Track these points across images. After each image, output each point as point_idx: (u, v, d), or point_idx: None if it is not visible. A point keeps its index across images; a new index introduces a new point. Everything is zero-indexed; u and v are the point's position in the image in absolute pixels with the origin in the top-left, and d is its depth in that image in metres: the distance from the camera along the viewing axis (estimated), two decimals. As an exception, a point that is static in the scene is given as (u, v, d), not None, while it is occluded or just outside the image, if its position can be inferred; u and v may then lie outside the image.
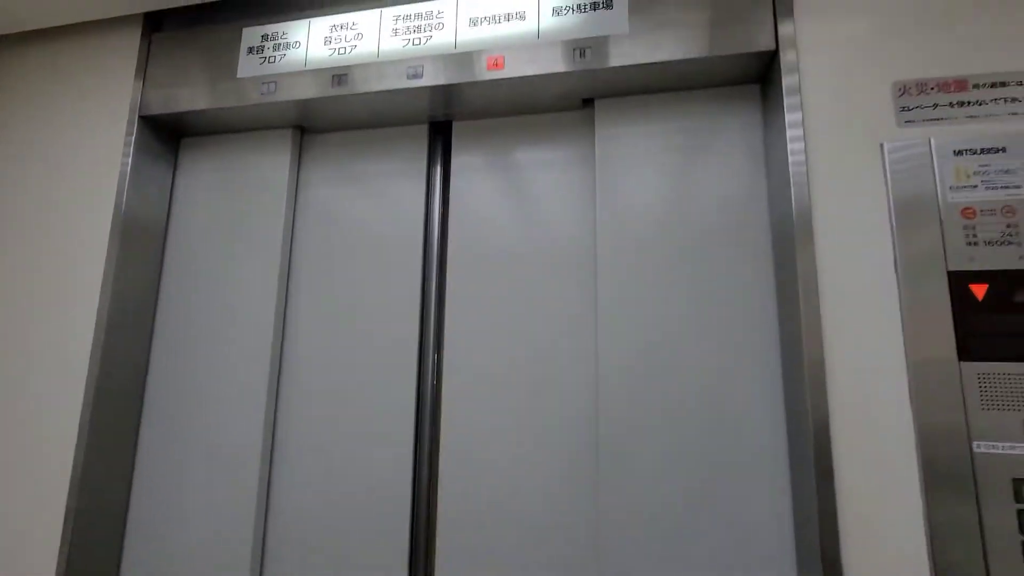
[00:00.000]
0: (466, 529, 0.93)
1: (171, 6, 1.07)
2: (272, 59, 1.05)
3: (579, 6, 0.93)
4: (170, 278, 1.14)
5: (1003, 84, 0.77)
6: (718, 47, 0.87)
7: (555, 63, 0.92)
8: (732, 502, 0.85)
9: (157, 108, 1.10)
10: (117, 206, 1.07)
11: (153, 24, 1.15)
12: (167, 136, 1.17)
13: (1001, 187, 0.74)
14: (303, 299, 1.09)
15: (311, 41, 1.04)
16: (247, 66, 1.06)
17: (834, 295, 0.78)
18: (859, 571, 0.72)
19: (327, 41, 1.03)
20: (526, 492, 0.93)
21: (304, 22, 1.05)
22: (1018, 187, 0.74)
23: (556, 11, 0.94)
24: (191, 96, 1.08)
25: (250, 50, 1.06)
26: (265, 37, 1.06)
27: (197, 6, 1.10)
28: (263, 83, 1.04)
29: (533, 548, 0.91)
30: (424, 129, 1.11)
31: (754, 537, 0.83)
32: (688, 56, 0.88)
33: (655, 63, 0.89)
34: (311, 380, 1.06)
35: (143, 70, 1.12)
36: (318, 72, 1.02)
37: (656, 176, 0.96)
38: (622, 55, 0.90)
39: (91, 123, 1.13)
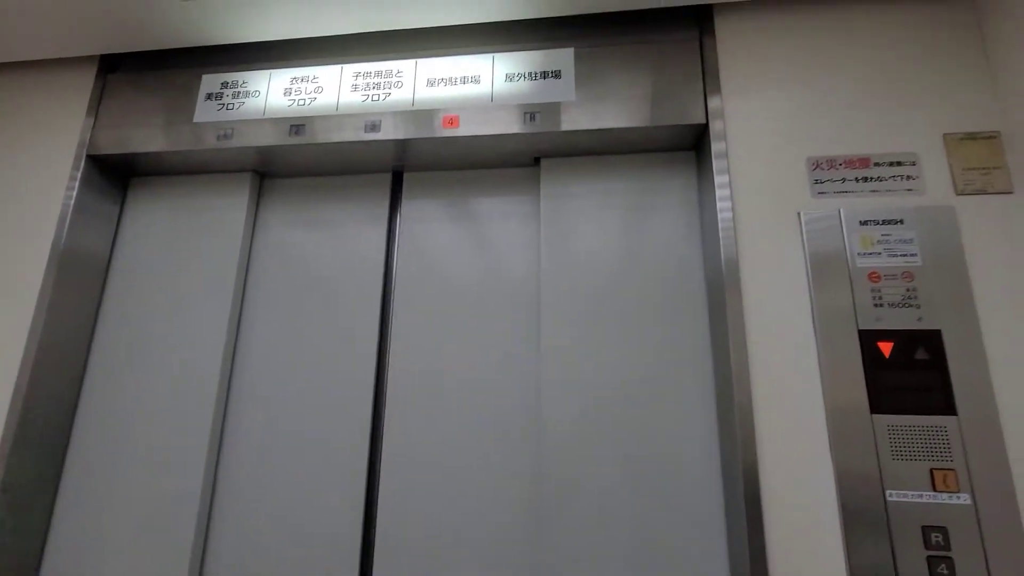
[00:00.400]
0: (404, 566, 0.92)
1: (129, 50, 1.08)
2: (231, 106, 1.06)
3: (530, 74, 1.00)
4: (109, 317, 1.10)
5: (899, 164, 0.87)
6: (655, 118, 0.95)
7: (507, 125, 0.98)
8: (670, 545, 0.87)
9: (107, 147, 1.09)
10: (56, 240, 1.04)
11: (110, 65, 1.15)
12: (115, 175, 1.16)
13: (900, 255, 0.83)
14: (255, 344, 1.08)
15: (271, 91, 1.06)
16: (204, 111, 1.07)
17: (761, 348, 0.84)
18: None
19: (287, 92, 1.05)
20: (466, 537, 0.92)
21: (265, 72, 1.08)
22: (915, 255, 0.83)
23: (509, 77, 1.00)
24: (144, 138, 1.07)
25: (208, 96, 1.08)
26: (225, 84, 1.08)
27: (157, 52, 1.11)
28: (220, 129, 1.05)
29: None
30: (387, 177, 1.14)
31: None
32: (628, 125, 0.95)
33: (599, 129, 0.96)
34: (259, 435, 1.03)
35: (95, 109, 1.11)
36: (276, 121, 1.04)
37: (599, 231, 1.01)
38: (569, 120, 0.97)
39: (39, 157, 1.11)
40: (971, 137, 0.86)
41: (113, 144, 1.09)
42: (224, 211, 1.13)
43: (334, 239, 1.11)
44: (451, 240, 1.08)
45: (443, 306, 1.04)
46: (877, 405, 0.79)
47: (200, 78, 1.09)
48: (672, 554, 0.87)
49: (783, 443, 0.80)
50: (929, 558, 0.75)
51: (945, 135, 0.87)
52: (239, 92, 1.07)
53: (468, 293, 1.04)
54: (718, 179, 0.90)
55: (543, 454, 0.92)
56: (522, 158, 1.08)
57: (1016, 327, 0.79)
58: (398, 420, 1.00)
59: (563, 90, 0.98)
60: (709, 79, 0.95)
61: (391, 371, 1.02)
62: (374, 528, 0.96)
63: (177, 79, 1.10)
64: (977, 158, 0.85)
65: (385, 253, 1.09)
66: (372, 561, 0.94)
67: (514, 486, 0.94)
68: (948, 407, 0.77)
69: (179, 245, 1.12)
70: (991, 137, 0.86)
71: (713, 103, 0.94)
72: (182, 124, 1.07)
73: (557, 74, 0.99)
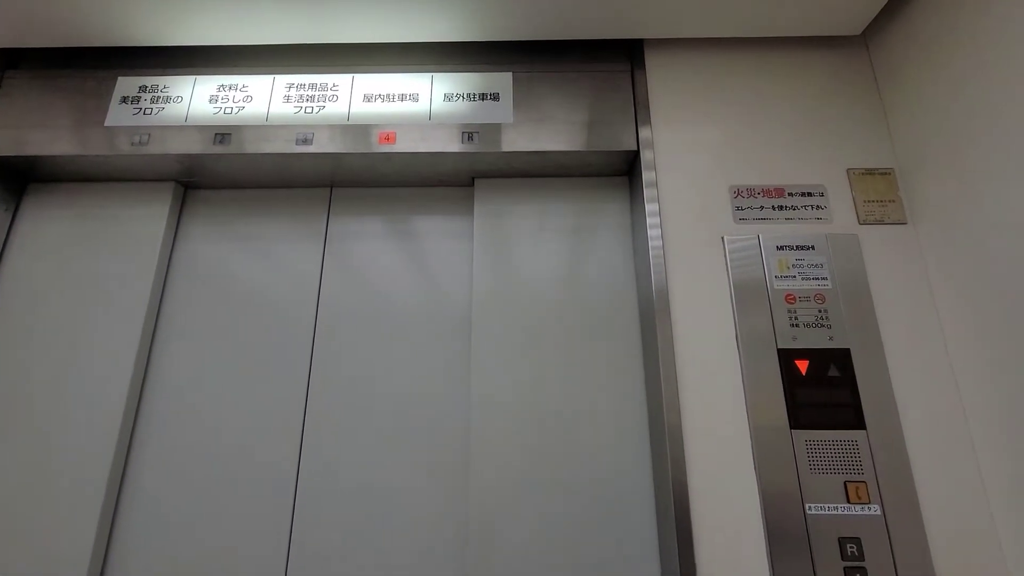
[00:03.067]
0: None
1: (32, 45, 0.99)
2: (148, 111, 1.00)
3: (469, 95, 1.01)
4: (-9, 338, 0.98)
5: (810, 194, 0.94)
6: (590, 143, 0.98)
7: (444, 143, 0.98)
8: (603, 566, 0.85)
9: (2, 149, 0.98)
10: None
11: (9, 61, 1.05)
12: (9, 179, 1.05)
13: (813, 278, 0.88)
14: (171, 369, 0.98)
15: (195, 97, 1.01)
16: (118, 115, 0.99)
17: (689, 368, 0.86)
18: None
19: (213, 99, 1.00)
20: (393, 563, 0.87)
21: (189, 78, 1.02)
22: (825, 278, 0.88)
23: (447, 97, 1.01)
24: (45, 140, 0.98)
25: (124, 99, 1.01)
26: (143, 88, 1.01)
27: (66, 49, 1.03)
28: (136, 134, 0.98)
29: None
30: (326, 193, 1.10)
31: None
32: (565, 149, 0.97)
33: (535, 152, 0.97)
34: (172, 471, 0.93)
35: (-11, 107, 1.01)
36: (200, 129, 0.99)
37: (534, 253, 1.02)
38: (507, 142, 0.98)
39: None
40: (870, 172, 0.95)
41: (10, 145, 0.99)
42: (140, 222, 1.04)
43: (265, 256, 1.05)
44: (383, 258, 1.05)
45: (373, 326, 1.00)
46: (796, 421, 0.82)
47: (115, 80, 1.02)
48: (604, 569, 0.85)
49: (711, 463, 0.82)
50: (846, 568, 0.78)
51: (848, 169, 0.95)
52: (159, 97, 1.01)
53: (400, 313, 1.01)
54: (648, 207, 0.93)
55: (473, 477, 0.89)
56: (459, 178, 1.07)
57: (914, 346, 0.86)
58: (324, 447, 0.94)
59: (501, 112, 0.99)
60: (640, 109, 1.00)
61: (315, 398, 0.96)
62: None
63: (88, 80, 1.02)
64: (875, 191, 0.93)
65: (320, 271, 1.04)
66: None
67: (443, 510, 0.90)
68: (858, 422, 0.82)
69: (83, 258, 1.02)
70: (886, 173, 0.95)
71: (644, 132, 0.98)
72: (92, 127, 0.99)
73: (495, 96, 1.00)
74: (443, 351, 0.99)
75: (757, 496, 0.80)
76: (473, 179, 1.07)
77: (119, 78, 1.02)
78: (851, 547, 0.78)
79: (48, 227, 1.05)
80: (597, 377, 0.94)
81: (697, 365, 0.86)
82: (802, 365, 0.84)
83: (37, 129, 0.99)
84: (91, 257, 1.02)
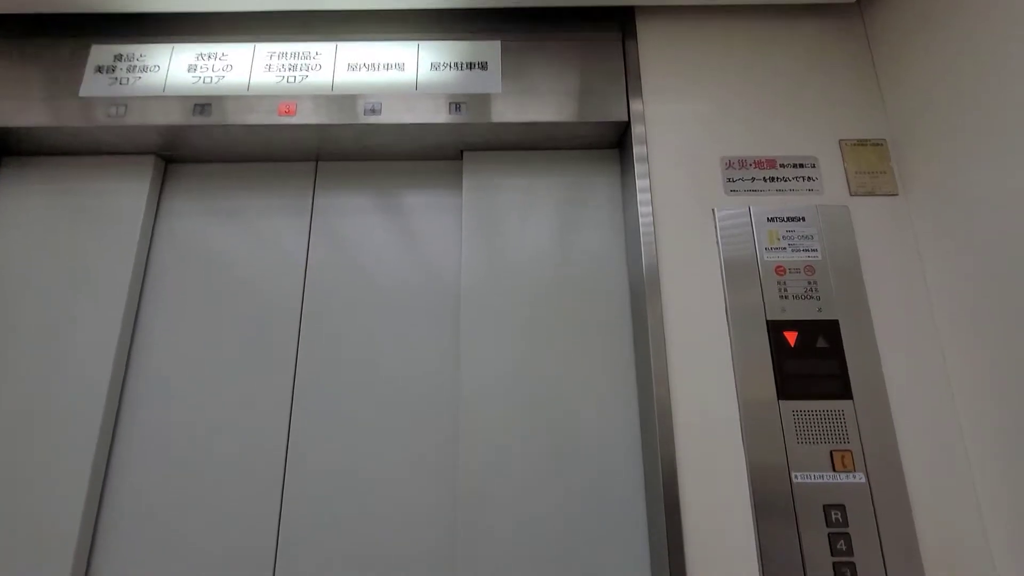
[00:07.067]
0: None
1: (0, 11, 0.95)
2: (124, 80, 0.96)
3: (456, 64, 0.98)
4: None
5: (801, 165, 0.93)
6: (579, 114, 0.96)
7: (432, 114, 0.95)
8: (592, 536, 0.86)
9: (-29, 120, 0.95)
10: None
11: (-24, 28, 1.01)
12: (-17, 152, 1.02)
13: (803, 250, 0.88)
14: (155, 347, 0.97)
15: (173, 66, 0.97)
16: (93, 85, 0.96)
17: (679, 341, 0.86)
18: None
19: (192, 68, 0.97)
20: (382, 539, 0.87)
21: (167, 46, 0.99)
22: (815, 250, 0.88)
23: (434, 66, 0.98)
24: (16, 110, 0.95)
25: (98, 69, 0.97)
26: (118, 57, 0.98)
27: (36, 16, 0.99)
28: (112, 104, 0.95)
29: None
30: (311, 167, 1.07)
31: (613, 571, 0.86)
32: (555, 119, 0.96)
33: (524, 123, 0.95)
34: (157, 453, 0.92)
35: (-44, 77, 0.97)
36: (179, 99, 0.96)
37: (523, 227, 1.01)
38: (496, 112, 0.96)
39: None
40: (862, 143, 0.94)
41: (-21, 117, 0.95)
42: (120, 196, 1.02)
43: (250, 231, 1.03)
44: (371, 233, 1.03)
45: (361, 302, 0.99)
46: (784, 392, 0.83)
47: (89, 49, 0.98)
48: (594, 543, 0.86)
49: (700, 433, 0.82)
50: (830, 535, 0.79)
51: (840, 140, 0.94)
52: (135, 66, 0.97)
53: (388, 288, 1.00)
54: (639, 182, 0.92)
55: (464, 453, 0.89)
56: (447, 151, 1.05)
57: (902, 317, 0.86)
58: (312, 426, 0.93)
59: (490, 82, 0.97)
60: (631, 79, 0.98)
61: (302, 376, 0.95)
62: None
63: (61, 48, 0.99)
64: (867, 163, 0.92)
65: (307, 247, 1.03)
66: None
67: (432, 487, 0.90)
68: (845, 392, 0.82)
69: (62, 233, 1.00)
70: (878, 144, 0.94)
71: (635, 104, 0.97)
72: (65, 98, 0.96)
73: (484, 66, 0.98)
74: (432, 327, 0.98)
75: (744, 465, 0.81)
76: (462, 152, 1.05)
77: (93, 46, 0.99)
78: (835, 514, 0.79)
79: (25, 201, 1.02)
80: (586, 351, 0.94)
81: (687, 338, 0.86)
82: (791, 337, 0.84)
83: (7, 100, 0.96)
84: (70, 233, 1.00)
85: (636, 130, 0.95)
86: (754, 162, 0.93)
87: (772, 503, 0.80)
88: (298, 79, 0.97)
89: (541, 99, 0.96)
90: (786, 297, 0.86)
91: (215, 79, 0.97)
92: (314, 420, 0.93)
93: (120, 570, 0.87)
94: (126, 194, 1.02)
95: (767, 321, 0.85)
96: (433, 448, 0.92)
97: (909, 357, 0.85)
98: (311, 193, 1.07)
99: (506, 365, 0.93)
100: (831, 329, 0.84)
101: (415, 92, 0.96)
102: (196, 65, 0.98)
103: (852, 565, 0.77)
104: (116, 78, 0.97)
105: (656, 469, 0.82)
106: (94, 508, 0.88)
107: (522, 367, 0.93)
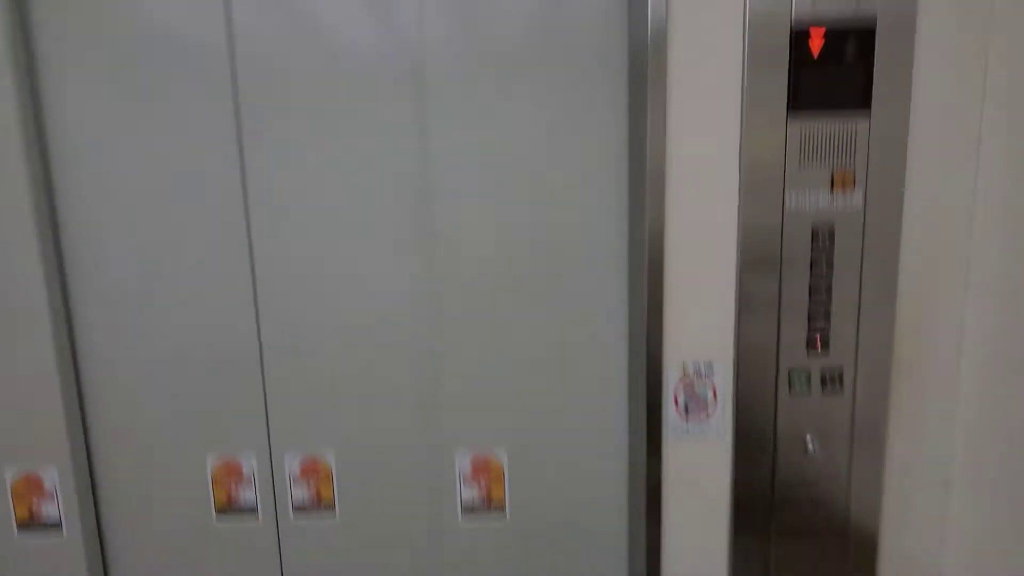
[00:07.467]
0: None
1: None
2: None
3: None
4: None
5: None
6: None
7: None
8: (573, 317, 0.87)
9: None
10: None
11: None
12: None
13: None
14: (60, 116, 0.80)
15: None
16: None
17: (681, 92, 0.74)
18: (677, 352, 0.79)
19: None
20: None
21: None
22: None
23: None
24: None
25: None
26: None
27: None
28: None
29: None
30: None
31: (595, 330, 0.87)
32: None
33: None
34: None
35: None
36: None
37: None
38: None
39: None
40: None
41: None
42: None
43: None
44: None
45: (308, 72, 0.80)
46: (796, 102, 0.72)
47: None
48: (572, 310, 0.86)
49: (693, 195, 0.76)
50: (812, 258, 0.76)
51: None
52: None
53: (339, 55, 0.80)
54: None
55: (436, 228, 0.84)
56: None
57: (954, 23, 0.72)
58: (272, 217, 0.84)
59: None
60: None
61: (250, 159, 0.82)
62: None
63: None
64: None
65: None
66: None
67: (405, 282, 0.86)
68: (864, 103, 0.72)
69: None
70: None
71: None
72: None
73: None
74: (392, 104, 0.82)
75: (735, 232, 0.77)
76: None
77: None
78: (823, 233, 0.75)
79: None
80: (575, 123, 0.82)
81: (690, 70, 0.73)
82: (817, 34, 0.71)
83: None
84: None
85: None
86: None
87: (760, 236, 0.75)
88: None
89: None
90: (819, -5, 0.71)
91: None
92: (271, 208, 0.84)
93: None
94: None
95: (793, 19, 0.71)
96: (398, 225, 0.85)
97: (945, 72, 0.73)
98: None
99: (480, 145, 0.83)
100: (865, 27, 0.71)
101: None
102: None
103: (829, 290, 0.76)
104: None
105: (643, 233, 0.77)
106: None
107: (499, 146, 0.83)
